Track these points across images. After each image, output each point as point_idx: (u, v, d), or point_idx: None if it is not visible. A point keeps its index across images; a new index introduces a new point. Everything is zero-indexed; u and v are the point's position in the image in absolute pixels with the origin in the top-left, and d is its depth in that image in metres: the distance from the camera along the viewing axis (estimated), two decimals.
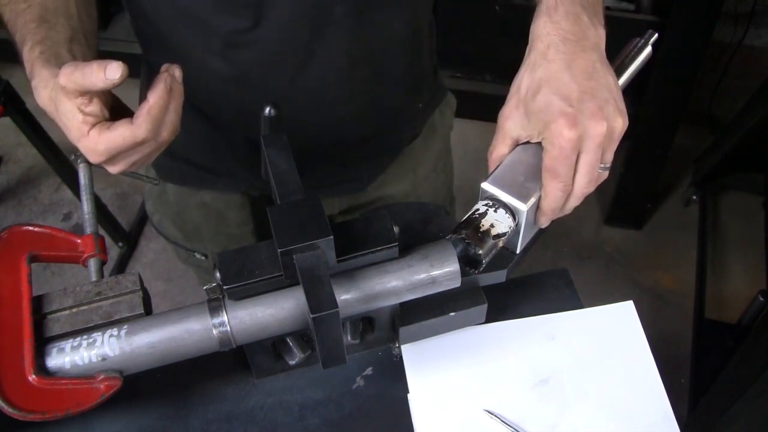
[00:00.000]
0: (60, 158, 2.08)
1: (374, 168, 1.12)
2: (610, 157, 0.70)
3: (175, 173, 1.09)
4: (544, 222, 0.73)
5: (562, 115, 0.66)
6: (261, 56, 0.88)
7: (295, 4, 0.83)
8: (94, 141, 0.66)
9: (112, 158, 0.68)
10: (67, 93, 0.64)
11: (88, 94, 0.64)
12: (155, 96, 0.65)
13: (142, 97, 0.66)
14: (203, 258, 1.17)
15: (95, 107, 0.65)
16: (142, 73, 1.04)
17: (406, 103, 1.06)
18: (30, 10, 0.74)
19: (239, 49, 0.87)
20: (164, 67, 0.67)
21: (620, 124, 0.68)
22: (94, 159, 0.68)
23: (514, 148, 0.73)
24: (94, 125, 0.66)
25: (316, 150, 0.96)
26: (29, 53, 0.71)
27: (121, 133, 0.65)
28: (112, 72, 0.61)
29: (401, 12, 0.92)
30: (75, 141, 0.68)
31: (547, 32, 0.70)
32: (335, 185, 1.09)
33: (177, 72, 0.67)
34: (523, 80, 0.71)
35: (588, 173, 0.68)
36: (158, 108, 0.65)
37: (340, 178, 1.09)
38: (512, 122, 0.72)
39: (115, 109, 0.69)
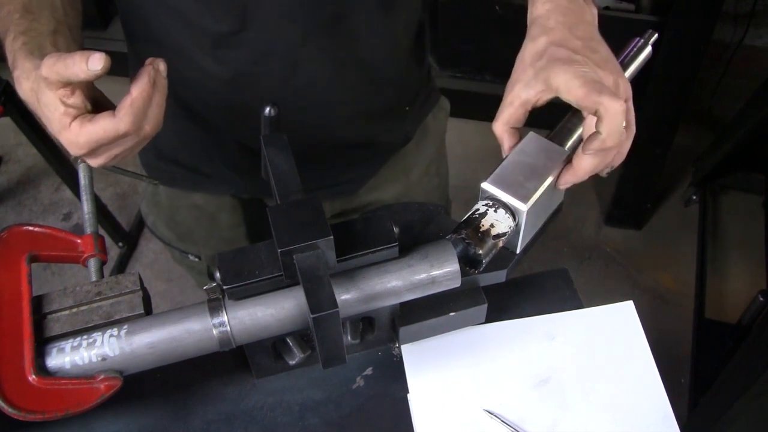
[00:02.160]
0: (60, 158, 2.07)
1: (366, 171, 1.11)
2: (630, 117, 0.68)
3: (166, 174, 1.09)
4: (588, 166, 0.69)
5: (570, 61, 0.66)
6: (251, 57, 0.87)
7: (282, 7, 0.82)
8: (76, 133, 0.65)
9: (94, 151, 0.68)
10: (49, 84, 0.64)
11: (70, 85, 0.64)
12: (138, 89, 0.64)
13: None
14: (197, 260, 1.17)
15: (77, 99, 0.65)
16: (131, 72, 1.03)
17: (397, 106, 1.06)
18: (13, 0, 0.73)
19: (228, 49, 0.86)
20: (149, 60, 0.66)
21: (624, 82, 0.69)
22: (75, 151, 0.67)
23: (522, 113, 0.71)
24: (75, 117, 0.65)
25: (307, 153, 0.96)
26: (12, 44, 0.70)
27: (103, 125, 0.64)
28: (95, 63, 0.60)
29: (389, 15, 0.91)
30: (56, 133, 0.67)
31: (546, 9, 0.71)
32: (326, 188, 1.08)
33: (161, 65, 0.66)
34: (527, 50, 0.70)
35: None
36: (141, 101, 0.64)
37: (331, 181, 1.08)
38: (520, 84, 0.69)
39: (98, 102, 0.69)
